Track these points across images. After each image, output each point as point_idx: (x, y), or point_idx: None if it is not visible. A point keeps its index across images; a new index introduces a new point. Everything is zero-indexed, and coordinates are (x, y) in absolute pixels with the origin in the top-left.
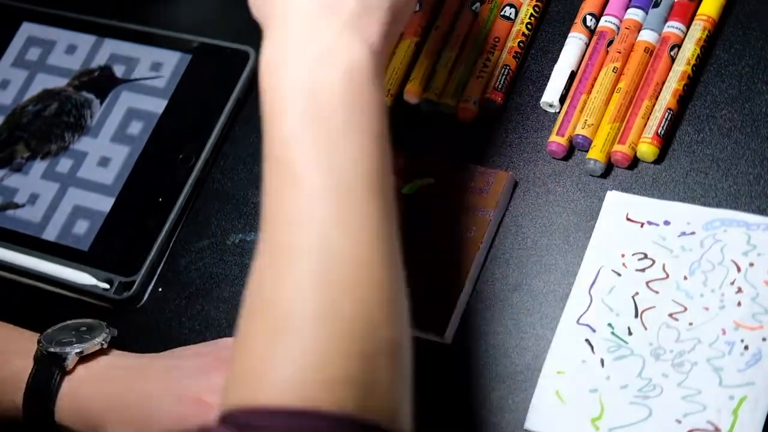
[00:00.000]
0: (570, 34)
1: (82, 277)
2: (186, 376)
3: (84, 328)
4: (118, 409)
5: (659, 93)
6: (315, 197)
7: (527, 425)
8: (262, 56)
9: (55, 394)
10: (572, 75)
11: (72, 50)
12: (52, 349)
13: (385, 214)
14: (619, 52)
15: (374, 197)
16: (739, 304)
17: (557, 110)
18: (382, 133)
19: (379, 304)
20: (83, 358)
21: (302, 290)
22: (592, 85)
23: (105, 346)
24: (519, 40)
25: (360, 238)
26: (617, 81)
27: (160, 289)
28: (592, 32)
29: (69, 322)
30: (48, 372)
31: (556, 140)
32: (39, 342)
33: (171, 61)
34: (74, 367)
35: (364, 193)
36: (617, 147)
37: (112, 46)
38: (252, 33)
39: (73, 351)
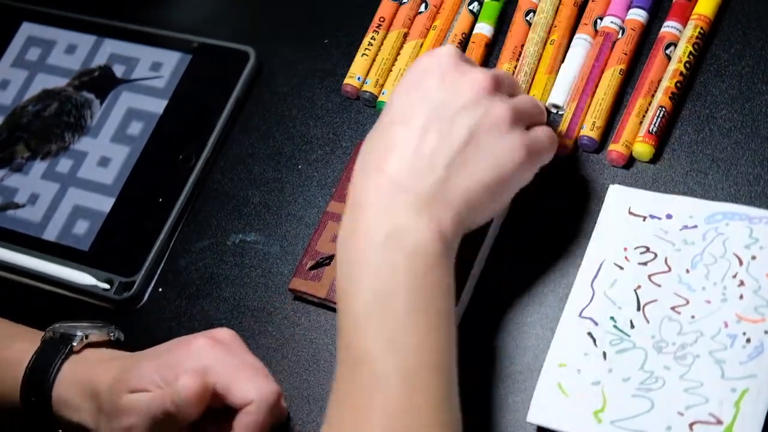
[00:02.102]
0: (576, 36)
1: (83, 278)
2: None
3: (95, 324)
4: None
5: (654, 92)
6: (381, 381)
7: (529, 418)
8: (341, 226)
9: (58, 366)
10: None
11: (72, 50)
12: (62, 331)
13: (448, 393)
14: (625, 54)
15: (439, 378)
16: (741, 297)
17: (563, 112)
18: (446, 311)
19: None
20: (90, 344)
21: None
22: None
23: (113, 338)
24: None
25: (427, 420)
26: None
27: (160, 290)
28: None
29: (80, 321)
30: (55, 349)
31: (565, 143)
32: (47, 330)
33: (171, 61)
34: (81, 349)
35: (430, 376)
36: (612, 146)
37: (112, 46)
38: (252, 33)
39: (82, 333)
